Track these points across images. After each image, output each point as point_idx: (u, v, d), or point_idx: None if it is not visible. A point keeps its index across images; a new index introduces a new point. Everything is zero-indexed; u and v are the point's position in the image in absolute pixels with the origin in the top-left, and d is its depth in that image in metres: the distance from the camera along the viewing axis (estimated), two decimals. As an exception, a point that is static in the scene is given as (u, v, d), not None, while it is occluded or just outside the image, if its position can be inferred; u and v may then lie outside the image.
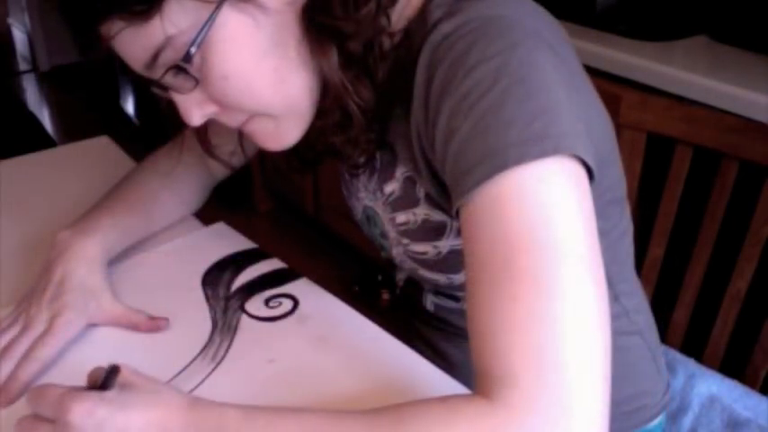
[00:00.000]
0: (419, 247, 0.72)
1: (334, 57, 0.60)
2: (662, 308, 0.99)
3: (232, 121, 0.63)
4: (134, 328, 0.72)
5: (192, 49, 0.56)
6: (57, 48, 3.83)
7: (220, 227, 0.90)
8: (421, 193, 0.68)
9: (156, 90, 0.61)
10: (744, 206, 0.94)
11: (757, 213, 0.93)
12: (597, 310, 0.50)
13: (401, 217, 0.71)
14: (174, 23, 0.55)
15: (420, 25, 0.61)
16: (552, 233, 0.50)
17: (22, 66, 4.03)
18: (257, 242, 0.87)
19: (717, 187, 0.96)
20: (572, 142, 0.53)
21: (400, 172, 0.69)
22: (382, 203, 0.73)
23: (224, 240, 0.87)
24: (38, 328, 0.69)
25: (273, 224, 2.50)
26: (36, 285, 0.73)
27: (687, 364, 0.96)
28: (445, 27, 0.58)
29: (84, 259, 0.73)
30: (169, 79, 0.58)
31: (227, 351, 0.70)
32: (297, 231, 2.42)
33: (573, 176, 0.53)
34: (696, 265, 1.00)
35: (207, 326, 0.73)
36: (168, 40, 0.56)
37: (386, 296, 2.05)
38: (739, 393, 0.92)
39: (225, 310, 0.75)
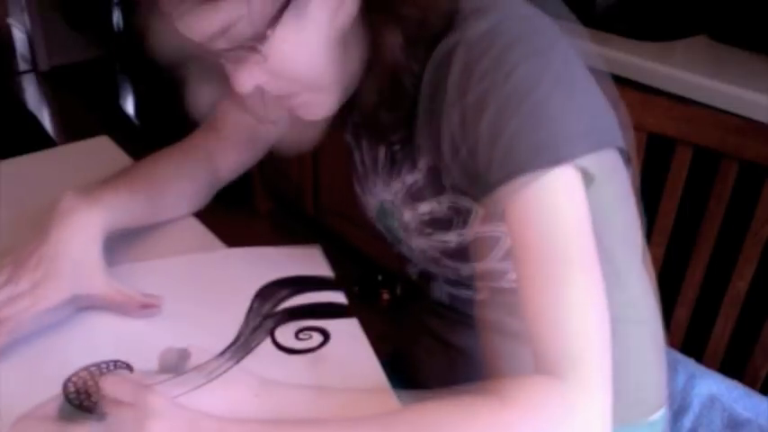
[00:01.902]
0: (444, 236, 0.72)
1: (397, 36, 0.61)
2: (662, 308, 0.99)
3: (278, 90, 0.63)
4: (122, 309, 0.72)
5: (270, 30, 0.56)
6: (57, 48, 3.82)
7: (313, 250, 0.88)
8: (447, 181, 0.68)
9: (204, 57, 0.59)
10: (744, 206, 0.94)
11: (757, 213, 0.93)
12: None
13: (424, 207, 0.72)
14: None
15: (448, 19, 0.62)
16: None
17: (22, 66, 4.02)
18: (257, 243, 0.86)
19: (717, 187, 0.96)
20: (613, 137, 0.60)
21: (423, 162, 0.70)
22: (402, 196, 0.74)
23: (307, 263, 0.85)
24: (21, 285, 0.69)
25: (273, 224, 2.50)
26: (31, 247, 0.72)
27: (687, 364, 0.96)
28: (481, 25, 0.59)
29: (86, 228, 0.73)
30: (232, 52, 0.58)
31: (226, 370, 0.65)
32: (297, 231, 2.42)
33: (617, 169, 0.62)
34: (696, 265, 1.00)
35: (230, 340, 0.71)
36: (243, 17, 0.55)
37: (386, 296, 2.05)
38: (739, 393, 0.92)
39: (255, 329, 0.72)
